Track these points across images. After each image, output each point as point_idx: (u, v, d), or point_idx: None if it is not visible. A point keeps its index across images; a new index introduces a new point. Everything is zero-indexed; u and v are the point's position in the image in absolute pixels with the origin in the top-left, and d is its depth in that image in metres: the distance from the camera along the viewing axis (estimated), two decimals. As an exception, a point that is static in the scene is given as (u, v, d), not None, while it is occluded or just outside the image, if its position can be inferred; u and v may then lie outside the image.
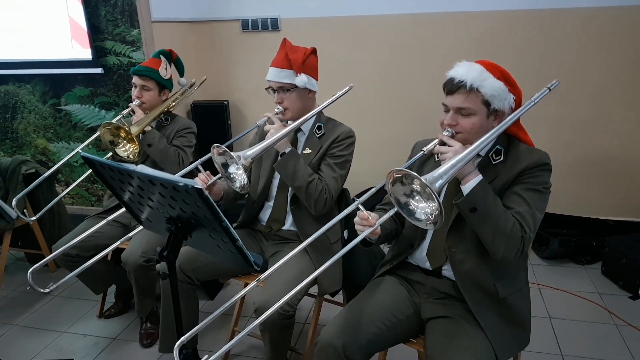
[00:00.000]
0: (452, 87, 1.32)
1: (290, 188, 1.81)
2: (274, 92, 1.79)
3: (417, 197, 1.17)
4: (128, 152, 2.06)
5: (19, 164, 2.53)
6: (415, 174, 1.11)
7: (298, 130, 1.83)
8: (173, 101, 2.27)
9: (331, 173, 1.76)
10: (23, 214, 2.57)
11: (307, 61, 1.77)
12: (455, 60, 1.26)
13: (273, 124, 1.71)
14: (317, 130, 1.83)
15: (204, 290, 1.93)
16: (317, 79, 1.82)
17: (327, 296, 1.87)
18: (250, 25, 3.23)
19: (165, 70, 2.22)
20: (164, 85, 2.23)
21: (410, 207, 1.18)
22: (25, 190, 2.26)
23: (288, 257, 1.28)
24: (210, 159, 1.75)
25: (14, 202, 2.15)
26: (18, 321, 2.34)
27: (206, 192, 0.98)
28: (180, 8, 3.20)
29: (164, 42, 3.02)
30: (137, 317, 2.25)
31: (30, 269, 1.60)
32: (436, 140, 1.33)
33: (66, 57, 2.96)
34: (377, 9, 3.08)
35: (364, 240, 1.34)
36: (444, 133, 1.33)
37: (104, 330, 2.25)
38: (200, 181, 1.67)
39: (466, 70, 1.32)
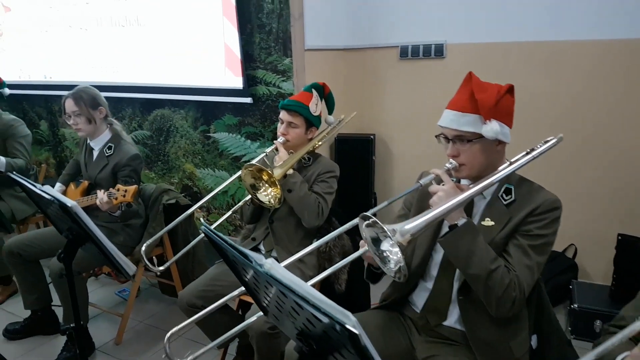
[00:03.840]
0: None
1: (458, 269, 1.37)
2: (447, 142, 1.37)
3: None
4: (269, 197, 1.83)
5: (161, 193, 2.52)
6: None
7: (476, 192, 1.37)
8: (319, 140, 2.00)
9: (524, 259, 1.27)
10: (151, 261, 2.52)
11: (501, 103, 1.32)
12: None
13: (441, 183, 1.30)
14: (504, 195, 1.36)
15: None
16: (511, 127, 1.36)
17: None
18: (410, 52, 2.88)
19: (316, 106, 1.97)
20: (312, 123, 1.98)
21: None
22: (156, 236, 2.16)
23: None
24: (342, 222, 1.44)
25: (143, 248, 2.06)
26: (138, 362, 2.26)
27: (364, 341, 0.60)
28: (335, 35, 3.00)
29: (315, 72, 2.84)
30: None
31: (168, 335, 1.53)
32: None
33: (219, 84, 2.95)
34: (570, 34, 2.48)
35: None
36: None
37: (220, 392, 2.03)
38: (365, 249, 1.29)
39: None
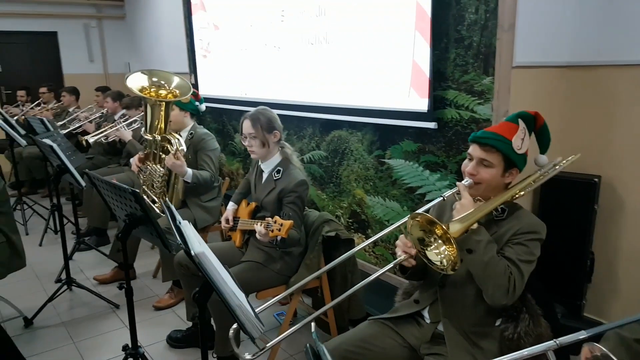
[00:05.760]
0: None
1: None
2: None
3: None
4: (442, 257, 1.41)
5: (322, 223, 2.34)
6: None
7: None
8: (521, 189, 1.52)
9: None
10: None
11: None
12: None
13: None
14: None
15: None
16: None
17: None
18: (668, 73, 2.11)
19: (522, 141, 1.50)
20: (514, 163, 1.51)
21: None
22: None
23: None
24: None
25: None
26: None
27: None
28: (555, 48, 2.41)
29: (523, 94, 2.32)
30: None
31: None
32: None
33: (401, 107, 2.65)
34: None
35: None
36: None
37: None
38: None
39: None
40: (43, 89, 5.90)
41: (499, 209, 1.55)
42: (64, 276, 3.06)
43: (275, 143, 2.27)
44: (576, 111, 2.48)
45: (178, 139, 2.77)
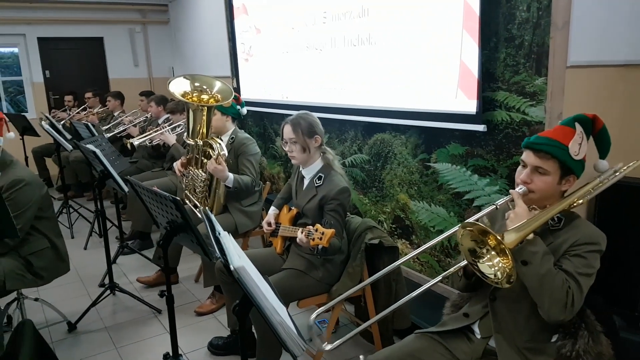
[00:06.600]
0: None
1: None
2: None
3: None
4: (496, 270, 1.37)
5: (365, 230, 2.32)
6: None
7: None
8: (580, 198, 1.46)
9: None
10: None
11: None
12: None
13: None
14: None
15: None
16: None
17: None
18: None
19: (579, 146, 1.44)
20: (571, 170, 1.46)
21: None
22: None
23: None
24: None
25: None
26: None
27: None
28: (612, 47, 2.31)
29: (578, 95, 2.23)
30: None
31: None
32: None
33: (447, 109, 2.61)
34: None
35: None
36: None
37: None
38: None
39: None
40: (88, 94, 6.17)
41: (555, 219, 1.50)
42: (107, 280, 3.16)
43: (316, 148, 2.28)
44: (636, 113, 2.36)
45: (220, 144, 2.83)
